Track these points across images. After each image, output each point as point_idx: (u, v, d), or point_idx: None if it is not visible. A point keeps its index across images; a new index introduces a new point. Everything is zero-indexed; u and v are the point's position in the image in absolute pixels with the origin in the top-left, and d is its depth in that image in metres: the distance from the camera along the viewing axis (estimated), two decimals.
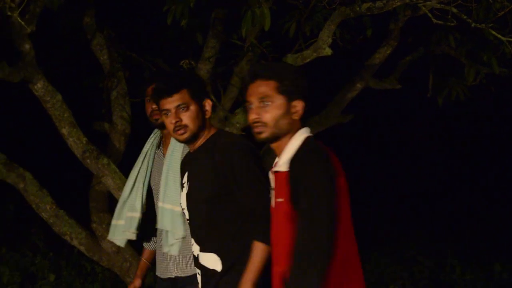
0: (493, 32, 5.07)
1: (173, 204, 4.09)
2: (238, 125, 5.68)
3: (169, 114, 3.71)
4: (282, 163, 3.29)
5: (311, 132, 3.40)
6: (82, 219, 5.74)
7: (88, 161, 5.44)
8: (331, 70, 7.55)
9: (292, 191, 3.21)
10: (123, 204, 4.50)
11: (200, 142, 3.77)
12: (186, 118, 3.69)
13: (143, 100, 4.47)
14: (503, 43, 5.25)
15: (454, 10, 4.91)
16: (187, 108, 3.70)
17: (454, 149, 12.15)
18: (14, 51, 5.25)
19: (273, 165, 3.42)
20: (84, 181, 6.01)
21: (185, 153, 4.04)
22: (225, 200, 3.66)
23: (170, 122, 3.70)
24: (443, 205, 11.36)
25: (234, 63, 5.89)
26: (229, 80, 5.92)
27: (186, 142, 3.76)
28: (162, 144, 4.46)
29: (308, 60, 5.27)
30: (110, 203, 5.84)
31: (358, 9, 5.10)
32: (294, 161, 3.24)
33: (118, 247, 5.57)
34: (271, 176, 3.39)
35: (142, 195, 4.44)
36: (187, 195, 3.80)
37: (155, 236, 4.47)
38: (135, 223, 4.43)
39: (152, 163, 4.46)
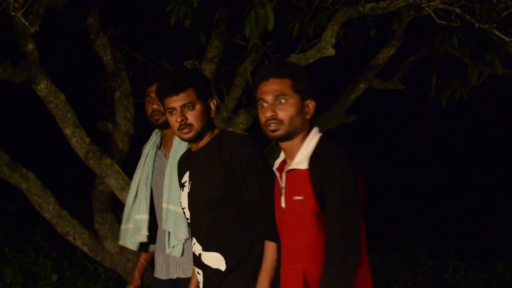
0: (497, 33, 5.07)
1: (177, 206, 4.09)
2: (241, 125, 5.68)
3: (174, 112, 3.70)
4: (299, 161, 3.29)
5: None
6: (85, 220, 5.74)
7: (91, 161, 5.44)
8: (334, 71, 7.54)
9: (316, 189, 3.21)
10: (130, 207, 4.50)
11: (204, 141, 3.77)
12: (192, 117, 3.69)
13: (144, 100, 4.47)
14: (506, 44, 5.24)
15: (458, 10, 4.90)
16: (192, 107, 3.69)
17: (457, 149, 12.13)
18: (18, 51, 5.26)
19: (278, 165, 3.43)
20: (87, 181, 6.01)
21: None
22: (231, 199, 3.66)
23: (175, 120, 3.69)
24: (446, 205, 11.35)
25: (238, 63, 5.89)
26: (233, 81, 5.92)
27: (190, 141, 3.76)
28: (163, 144, 4.45)
29: (311, 60, 5.27)
30: (113, 204, 5.85)
31: (361, 9, 5.10)
32: (317, 159, 3.25)
33: (121, 248, 5.57)
34: (281, 175, 3.38)
35: (146, 196, 4.43)
36: (189, 194, 3.79)
37: (154, 237, 4.46)
38: (144, 225, 4.42)
39: (153, 164, 4.46)
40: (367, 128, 11.04)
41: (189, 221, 3.83)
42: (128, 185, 5.34)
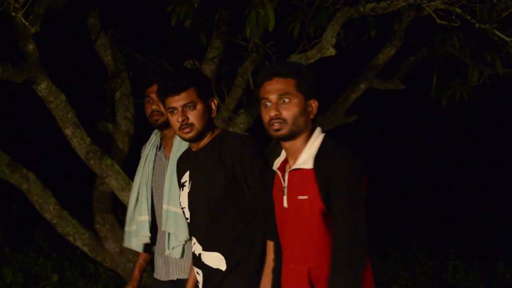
0: (497, 33, 5.07)
1: (178, 207, 4.08)
2: (242, 125, 5.68)
3: (175, 112, 3.70)
4: (304, 161, 3.29)
5: None
6: (85, 220, 5.74)
7: (92, 161, 5.44)
8: (335, 71, 7.54)
9: (322, 188, 3.22)
10: (132, 209, 4.49)
11: (204, 141, 3.77)
12: (193, 116, 3.69)
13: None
14: (507, 44, 5.25)
15: (458, 10, 4.90)
16: (194, 107, 3.69)
17: (457, 149, 12.14)
18: (18, 51, 5.26)
19: (280, 164, 3.43)
20: (88, 181, 6.01)
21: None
22: (231, 199, 3.66)
23: (176, 120, 3.69)
24: (446, 205, 11.35)
25: (238, 63, 5.89)
26: (233, 81, 5.92)
27: (191, 140, 3.76)
28: (162, 145, 4.44)
29: (312, 60, 5.27)
30: (114, 204, 5.85)
31: (362, 9, 5.10)
32: (322, 158, 3.26)
33: (122, 248, 5.57)
34: (283, 175, 3.38)
35: (147, 198, 4.43)
36: (189, 194, 3.79)
37: (155, 238, 4.46)
38: (145, 227, 4.42)
39: (154, 166, 4.45)
40: (368, 128, 11.04)
41: (188, 221, 3.83)
42: (128, 185, 5.34)
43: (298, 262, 3.31)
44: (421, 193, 11.57)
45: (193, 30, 5.79)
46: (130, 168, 4.93)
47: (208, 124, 3.75)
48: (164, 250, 4.26)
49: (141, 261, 4.59)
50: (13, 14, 4.66)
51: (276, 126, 3.31)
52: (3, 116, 9.07)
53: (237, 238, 3.68)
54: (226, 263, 3.68)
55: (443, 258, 8.40)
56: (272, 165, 3.50)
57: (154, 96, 4.33)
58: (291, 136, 3.32)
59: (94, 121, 6.21)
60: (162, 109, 4.28)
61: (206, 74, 4.32)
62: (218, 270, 3.70)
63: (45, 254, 7.83)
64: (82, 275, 7.60)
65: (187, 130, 3.70)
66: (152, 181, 4.43)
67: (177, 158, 4.12)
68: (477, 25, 4.96)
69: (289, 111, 3.30)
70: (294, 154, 3.36)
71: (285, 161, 3.43)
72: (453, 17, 4.93)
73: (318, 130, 3.38)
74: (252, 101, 5.95)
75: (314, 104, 3.35)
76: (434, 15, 4.96)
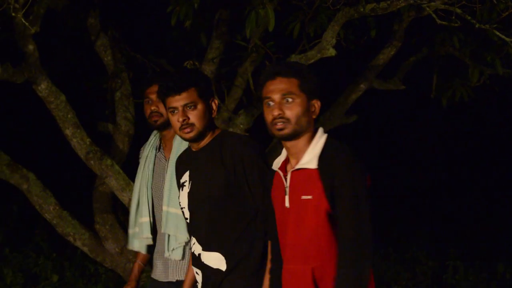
0: (497, 33, 5.07)
1: (178, 208, 4.08)
2: (242, 126, 5.68)
3: (176, 112, 3.70)
4: (308, 161, 3.29)
5: None
6: (85, 220, 5.74)
7: (92, 162, 5.43)
8: (335, 71, 7.54)
9: (327, 188, 3.23)
10: (135, 212, 4.48)
11: (205, 141, 3.77)
12: (193, 116, 3.69)
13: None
14: (507, 44, 5.25)
15: (458, 10, 4.90)
16: (194, 107, 3.70)
17: (457, 149, 12.14)
18: (18, 52, 5.25)
19: (281, 164, 3.42)
20: (88, 182, 6.00)
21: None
22: (232, 199, 3.67)
23: (176, 120, 3.70)
24: (446, 205, 11.35)
25: (238, 64, 5.89)
26: (233, 81, 5.92)
27: (192, 140, 3.76)
28: (162, 146, 4.44)
29: (312, 60, 5.27)
30: (114, 204, 5.85)
31: (362, 10, 5.10)
32: (326, 158, 3.26)
33: (122, 248, 5.57)
34: (285, 175, 3.38)
35: (148, 199, 4.43)
36: (189, 194, 3.79)
37: (154, 239, 4.45)
38: (147, 228, 4.41)
39: (153, 167, 4.44)
40: (368, 129, 11.04)
41: (188, 221, 3.83)
42: (128, 185, 5.34)
43: (300, 262, 3.30)
44: (421, 193, 11.58)
45: (193, 30, 5.80)
46: (130, 168, 4.93)
47: (209, 124, 3.75)
48: (164, 251, 4.26)
49: (139, 261, 4.58)
50: (13, 14, 4.66)
51: (279, 125, 3.31)
52: (3, 116, 9.07)
53: (237, 238, 3.68)
54: (226, 263, 3.68)
55: (443, 258, 8.41)
56: (272, 165, 3.50)
57: (153, 97, 4.33)
58: (294, 135, 3.32)
59: (94, 122, 6.21)
60: (162, 110, 4.29)
61: (206, 74, 4.32)
62: (218, 270, 3.70)
63: (45, 254, 7.83)
64: (82, 275, 7.61)
65: (188, 130, 3.70)
66: (152, 182, 4.43)
67: None
68: (477, 26, 4.96)
69: (292, 111, 3.30)
70: (296, 154, 3.35)
71: (286, 161, 3.43)
72: (453, 17, 4.92)
73: (321, 130, 3.38)
74: (252, 101, 5.95)
75: (316, 104, 3.36)
76: (434, 16, 4.96)
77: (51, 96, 5.31)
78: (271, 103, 3.33)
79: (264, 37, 5.67)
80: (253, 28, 4.97)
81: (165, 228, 4.20)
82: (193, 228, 3.80)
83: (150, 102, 4.37)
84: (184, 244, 4.17)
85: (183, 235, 4.13)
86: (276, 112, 3.31)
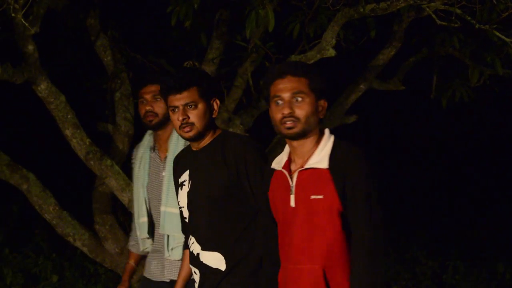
0: (497, 33, 5.07)
1: (176, 208, 4.08)
2: (241, 126, 5.67)
3: (177, 111, 3.71)
4: (318, 161, 3.30)
5: None
6: (85, 220, 5.73)
7: (92, 162, 5.43)
8: (335, 71, 7.53)
9: (339, 188, 3.23)
10: (137, 213, 4.49)
11: (205, 141, 3.78)
12: (194, 116, 3.70)
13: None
14: (507, 44, 5.24)
15: (458, 11, 4.90)
16: (195, 106, 3.70)
17: (457, 149, 12.13)
18: (18, 52, 5.25)
19: (283, 164, 3.42)
20: (87, 182, 6.00)
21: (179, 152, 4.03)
22: (232, 199, 3.68)
23: (177, 118, 3.71)
24: (446, 205, 11.35)
25: (238, 64, 5.89)
26: (233, 82, 5.92)
27: (191, 140, 3.77)
28: (156, 147, 4.43)
29: (312, 61, 5.27)
30: (114, 205, 5.84)
31: (362, 10, 5.09)
32: (337, 158, 3.27)
33: (121, 248, 5.57)
34: (290, 174, 3.37)
35: (145, 199, 4.42)
36: (189, 193, 3.79)
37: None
38: (145, 228, 4.41)
39: (149, 167, 4.43)
40: (368, 129, 11.03)
41: (187, 220, 3.83)
42: (128, 186, 5.34)
43: (308, 261, 3.30)
44: (421, 193, 11.57)
45: (193, 30, 5.79)
46: (130, 168, 4.93)
47: (209, 124, 3.76)
48: (163, 252, 4.26)
49: (131, 262, 4.59)
50: (13, 14, 4.66)
51: (289, 124, 3.31)
52: (2, 116, 9.06)
53: (237, 238, 3.69)
54: (226, 263, 3.69)
55: (443, 258, 8.41)
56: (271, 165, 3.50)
57: (148, 96, 4.34)
58: (303, 135, 3.32)
59: (94, 122, 6.21)
60: (156, 109, 4.30)
61: (210, 74, 4.34)
62: (217, 270, 3.70)
63: (45, 254, 7.82)
64: (82, 275, 7.61)
65: (187, 129, 3.71)
66: (148, 183, 4.42)
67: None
68: (477, 26, 4.96)
69: (302, 110, 3.31)
70: (303, 154, 3.35)
71: (289, 161, 3.42)
72: (453, 17, 4.92)
73: (327, 130, 3.40)
74: (251, 101, 5.95)
75: (324, 105, 3.37)
76: (434, 16, 4.96)
77: (51, 96, 5.31)
78: (280, 102, 3.33)
79: (264, 38, 5.67)
80: (253, 28, 4.97)
81: (163, 228, 4.21)
82: (192, 228, 3.80)
83: (144, 102, 4.37)
84: (182, 243, 4.17)
85: (182, 234, 4.13)
86: (286, 111, 3.30)
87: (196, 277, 3.80)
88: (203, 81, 3.76)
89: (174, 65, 6.27)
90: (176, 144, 4.24)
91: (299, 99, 3.31)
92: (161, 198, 4.26)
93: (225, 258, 3.69)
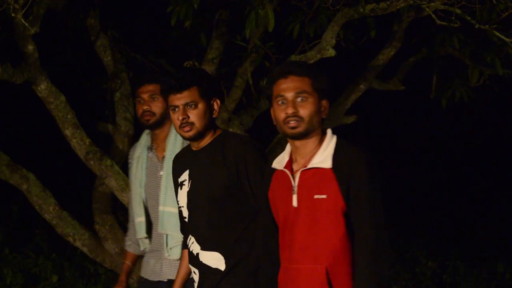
0: (497, 33, 5.07)
1: (175, 207, 4.08)
2: (241, 126, 5.68)
3: (177, 110, 3.71)
4: (321, 160, 3.29)
5: None
6: (85, 220, 5.74)
7: (92, 162, 5.43)
8: (335, 71, 7.53)
9: (343, 188, 3.24)
10: (135, 213, 4.49)
11: (205, 141, 3.77)
12: (194, 116, 3.70)
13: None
14: (506, 44, 5.24)
15: (458, 11, 4.90)
16: (195, 106, 3.70)
17: (457, 149, 12.13)
18: (18, 52, 5.25)
19: (284, 163, 3.41)
20: (87, 182, 6.00)
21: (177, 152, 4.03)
22: (232, 199, 3.67)
23: (177, 118, 3.71)
24: (446, 205, 11.35)
25: (238, 64, 5.89)
26: (233, 82, 5.92)
27: (191, 139, 3.76)
28: (153, 146, 4.42)
29: (311, 61, 5.27)
30: (113, 205, 5.85)
31: (361, 10, 5.10)
32: (341, 158, 3.27)
33: (121, 248, 5.56)
34: (292, 174, 3.38)
35: (142, 199, 4.42)
36: (189, 193, 3.79)
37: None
38: (142, 228, 4.41)
39: (146, 167, 4.43)
40: (367, 129, 11.03)
41: (186, 220, 3.83)
42: (128, 186, 5.34)
43: (311, 261, 3.29)
44: (421, 193, 11.57)
45: (193, 30, 5.80)
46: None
47: (209, 124, 3.76)
48: (162, 251, 4.26)
49: (128, 262, 4.58)
50: (13, 14, 4.66)
51: (293, 123, 3.30)
52: (2, 116, 9.06)
53: (237, 238, 3.69)
54: (225, 263, 3.69)
55: (443, 258, 8.41)
56: (271, 165, 3.50)
57: (145, 96, 4.34)
58: (306, 134, 3.32)
59: (94, 122, 6.21)
60: (154, 109, 4.31)
61: (211, 74, 4.34)
62: (217, 269, 3.70)
63: (45, 254, 7.83)
64: (81, 275, 7.61)
65: (187, 128, 3.71)
66: (145, 182, 4.42)
67: (171, 161, 4.11)
68: (477, 26, 4.96)
69: (305, 109, 3.30)
70: (305, 154, 3.35)
71: (290, 161, 3.42)
72: (453, 17, 4.92)
73: (330, 130, 3.39)
74: (251, 101, 5.95)
75: (326, 105, 3.37)
76: (434, 16, 4.96)
77: (50, 96, 5.31)
78: (284, 102, 3.33)
79: (264, 38, 5.67)
80: (253, 28, 4.97)
81: (161, 228, 4.20)
82: (192, 227, 3.80)
83: (142, 101, 4.37)
84: (181, 242, 4.17)
85: (180, 233, 4.13)
86: (290, 110, 3.30)
87: (196, 277, 3.80)
88: (204, 81, 3.76)
89: (174, 65, 6.28)
90: (173, 143, 4.23)
91: (303, 98, 3.31)
92: (159, 198, 4.26)
93: (224, 258, 3.69)
